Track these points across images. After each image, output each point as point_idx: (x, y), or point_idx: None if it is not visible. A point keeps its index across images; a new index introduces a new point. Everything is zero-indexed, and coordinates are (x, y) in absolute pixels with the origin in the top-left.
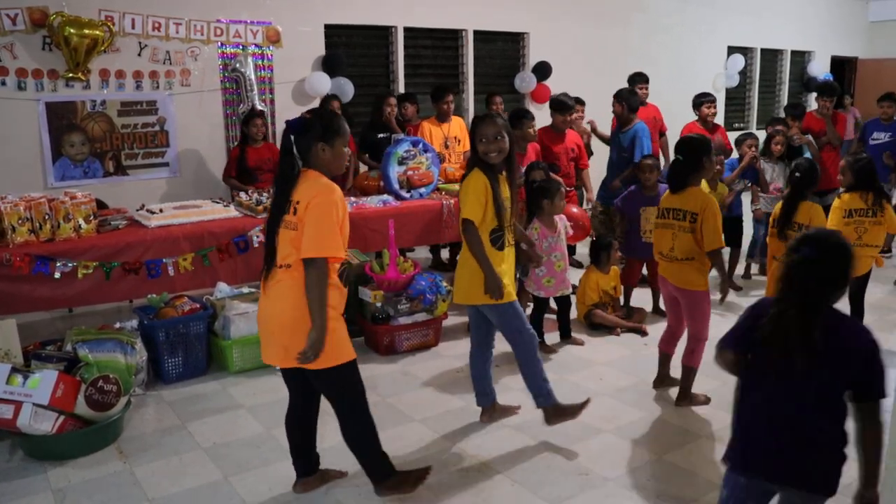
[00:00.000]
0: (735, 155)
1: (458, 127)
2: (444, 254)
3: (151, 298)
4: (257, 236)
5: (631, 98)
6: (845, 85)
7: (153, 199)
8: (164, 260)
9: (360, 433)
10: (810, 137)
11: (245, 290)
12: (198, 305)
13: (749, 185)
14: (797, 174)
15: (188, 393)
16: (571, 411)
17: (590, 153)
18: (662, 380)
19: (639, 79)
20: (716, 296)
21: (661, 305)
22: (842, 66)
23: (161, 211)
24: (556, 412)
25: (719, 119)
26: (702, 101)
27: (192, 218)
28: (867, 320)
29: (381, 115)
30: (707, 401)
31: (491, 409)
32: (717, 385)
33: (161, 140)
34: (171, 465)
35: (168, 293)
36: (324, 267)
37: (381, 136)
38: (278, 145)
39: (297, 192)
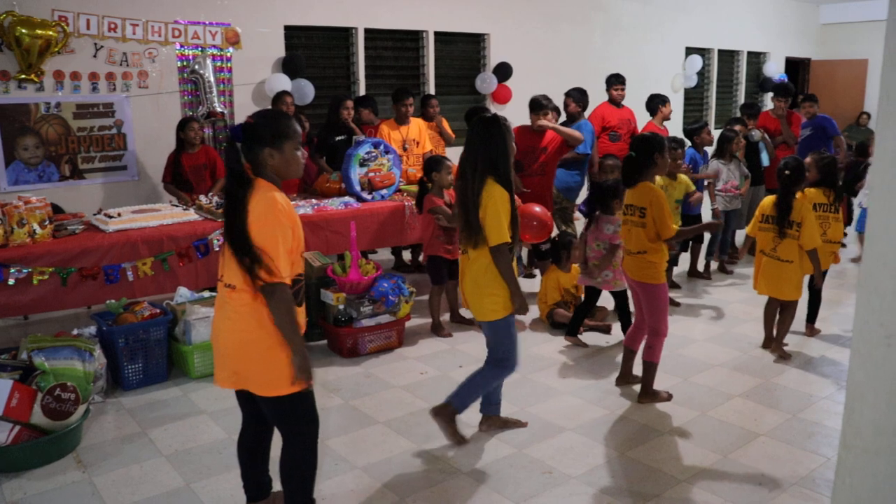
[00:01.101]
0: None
1: (416, 129)
2: (406, 255)
3: (110, 304)
4: (218, 240)
5: (582, 98)
6: (799, 85)
7: (111, 203)
8: (122, 265)
9: (300, 469)
10: (765, 134)
11: (206, 294)
12: (158, 310)
13: (707, 184)
14: (786, 171)
15: (149, 399)
16: (514, 422)
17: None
18: (625, 377)
19: (615, 80)
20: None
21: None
22: (796, 66)
23: (119, 215)
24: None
25: (678, 119)
26: (665, 101)
27: (151, 222)
28: (822, 314)
29: (338, 118)
30: (669, 397)
31: (493, 420)
32: (678, 381)
33: (118, 143)
34: (132, 473)
35: (127, 298)
36: (284, 291)
37: (338, 138)
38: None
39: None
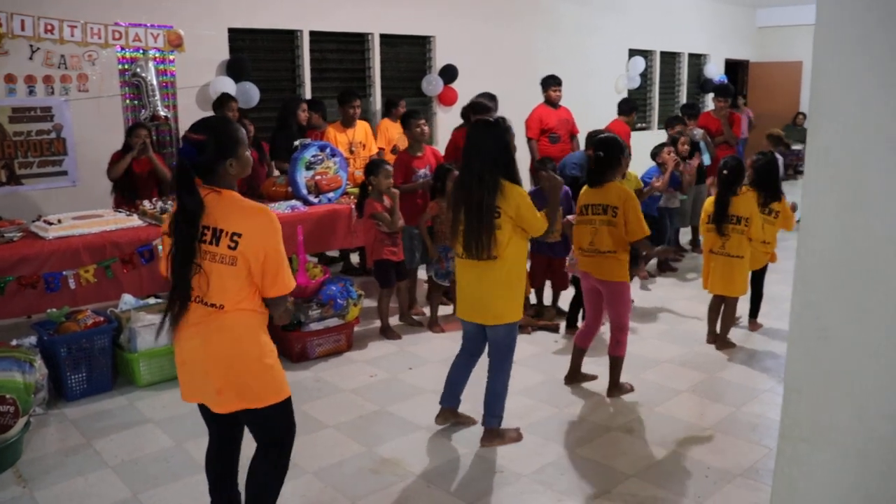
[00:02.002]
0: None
1: (363, 132)
2: (355, 258)
3: (51, 313)
4: (162, 246)
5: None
6: (738, 86)
7: (51, 209)
8: (63, 273)
9: (279, 481)
10: (706, 134)
11: (151, 301)
12: (102, 318)
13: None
14: (725, 171)
15: (93, 410)
16: (510, 437)
17: None
18: (574, 375)
19: (552, 81)
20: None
21: (576, 303)
22: (735, 68)
23: (59, 221)
24: (498, 434)
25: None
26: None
27: (93, 228)
28: (764, 308)
29: (296, 120)
30: (632, 389)
31: (449, 413)
32: (626, 378)
33: (58, 148)
34: (76, 486)
35: (69, 307)
36: (285, 300)
37: (296, 142)
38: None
39: (221, 220)
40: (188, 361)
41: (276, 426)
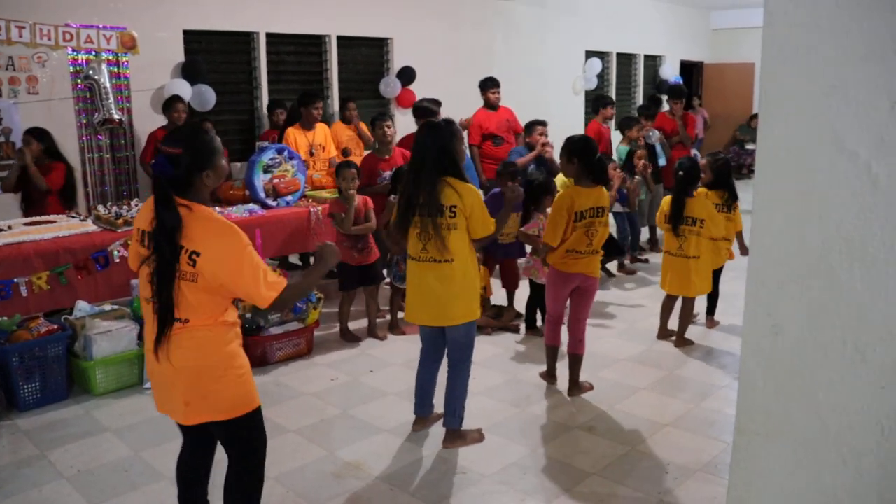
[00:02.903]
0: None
1: (322, 134)
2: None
3: (2, 321)
4: (118, 251)
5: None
6: (693, 87)
7: (1, 214)
8: (15, 280)
9: (256, 492)
10: (662, 135)
11: (107, 307)
12: (55, 326)
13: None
14: (681, 173)
15: (47, 420)
16: (472, 437)
17: None
18: (552, 374)
19: (490, 84)
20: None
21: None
22: (690, 69)
23: (10, 227)
24: (459, 436)
25: (579, 121)
26: (606, 103)
27: (46, 234)
28: (721, 306)
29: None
30: (591, 387)
31: (426, 420)
32: (585, 377)
33: (7, 151)
34: (30, 499)
35: (21, 315)
36: (283, 294)
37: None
38: (138, 157)
39: (184, 237)
40: (156, 374)
41: (246, 437)
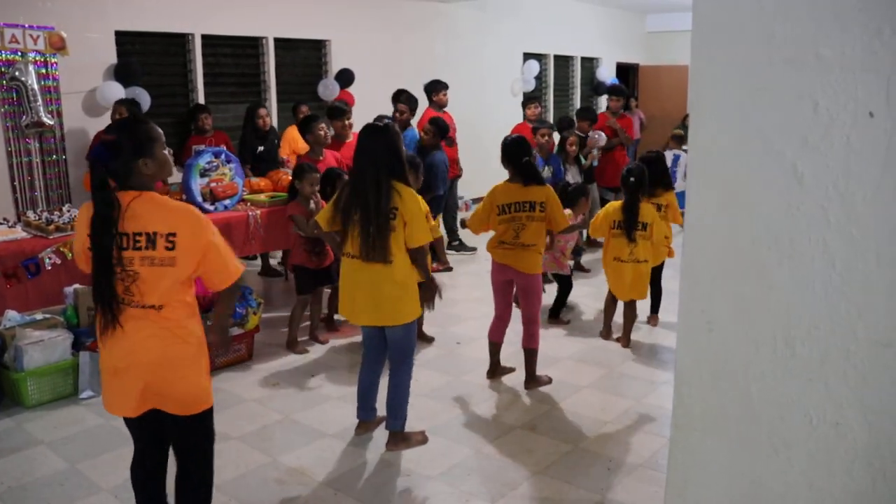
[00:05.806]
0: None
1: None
2: (273, 261)
3: None
4: (49, 258)
5: (414, 104)
6: (630, 89)
7: None
8: None
9: (206, 491)
10: (602, 135)
11: (38, 316)
12: None
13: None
14: (632, 178)
15: None
16: (415, 439)
17: None
18: (495, 370)
19: (441, 86)
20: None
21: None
22: (626, 71)
23: None
24: (402, 438)
25: (518, 122)
26: (530, 102)
27: None
28: (663, 304)
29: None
30: (549, 381)
31: (370, 424)
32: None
33: None
34: None
35: None
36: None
37: (259, 149)
38: (69, 161)
39: (151, 223)
40: (119, 365)
41: (200, 434)
